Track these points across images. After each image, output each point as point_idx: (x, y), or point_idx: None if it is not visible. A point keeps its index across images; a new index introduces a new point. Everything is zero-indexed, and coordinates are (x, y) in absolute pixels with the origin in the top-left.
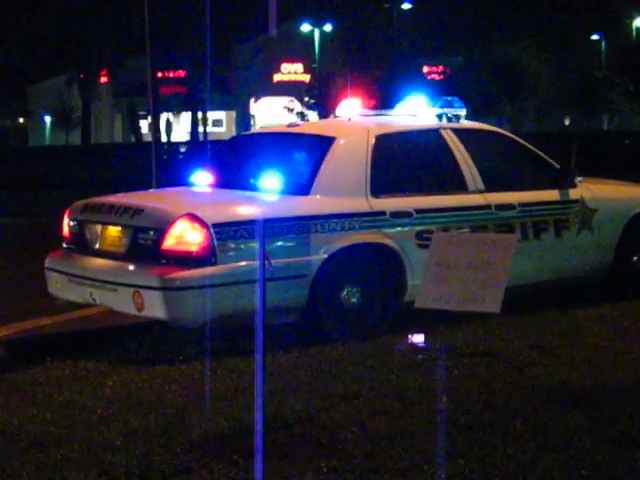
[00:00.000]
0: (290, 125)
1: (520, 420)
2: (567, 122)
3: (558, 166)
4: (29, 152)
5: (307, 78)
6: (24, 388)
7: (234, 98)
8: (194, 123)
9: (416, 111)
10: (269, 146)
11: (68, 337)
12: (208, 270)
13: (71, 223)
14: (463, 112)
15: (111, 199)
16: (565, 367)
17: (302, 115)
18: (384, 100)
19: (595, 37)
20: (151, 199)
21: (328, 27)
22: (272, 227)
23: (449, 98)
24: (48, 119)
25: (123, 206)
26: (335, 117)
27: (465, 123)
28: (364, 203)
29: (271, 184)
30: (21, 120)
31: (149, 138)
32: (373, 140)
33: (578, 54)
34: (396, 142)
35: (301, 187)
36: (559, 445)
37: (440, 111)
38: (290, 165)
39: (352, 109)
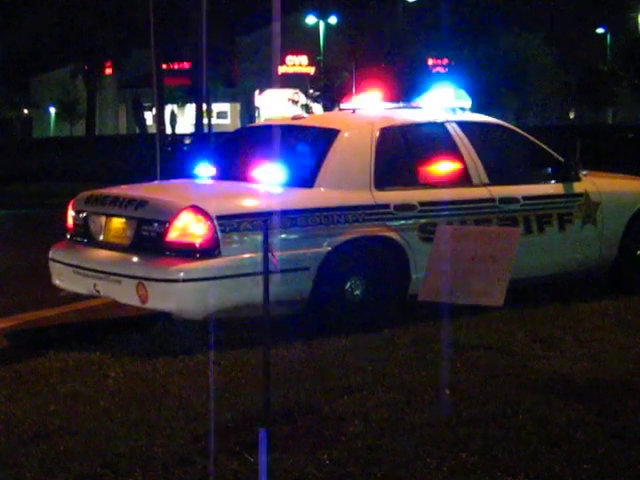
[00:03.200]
0: (294, 117)
1: (522, 413)
2: (572, 116)
3: (562, 159)
4: (34, 143)
5: (312, 70)
6: (27, 379)
7: (239, 90)
8: (198, 115)
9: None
10: (273, 138)
11: (71, 328)
12: (212, 262)
13: (75, 215)
14: (468, 104)
15: (115, 191)
16: (568, 361)
17: (307, 107)
18: (391, 93)
19: (600, 31)
20: (155, 191)
21: (333, 19)
22: (276, 219)
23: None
24: (53, 110)
25: (127, 198)
26: (340, 110)
27: (470, 116)
28: (368, 196)
29: (275, 176)
30: (26, 111)
31: (153, 130)
32: (377, 133)
33: (583, 47)
34: (400, 135)
35: (305, 180)
36: (561, 439)
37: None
38: (294, 158)
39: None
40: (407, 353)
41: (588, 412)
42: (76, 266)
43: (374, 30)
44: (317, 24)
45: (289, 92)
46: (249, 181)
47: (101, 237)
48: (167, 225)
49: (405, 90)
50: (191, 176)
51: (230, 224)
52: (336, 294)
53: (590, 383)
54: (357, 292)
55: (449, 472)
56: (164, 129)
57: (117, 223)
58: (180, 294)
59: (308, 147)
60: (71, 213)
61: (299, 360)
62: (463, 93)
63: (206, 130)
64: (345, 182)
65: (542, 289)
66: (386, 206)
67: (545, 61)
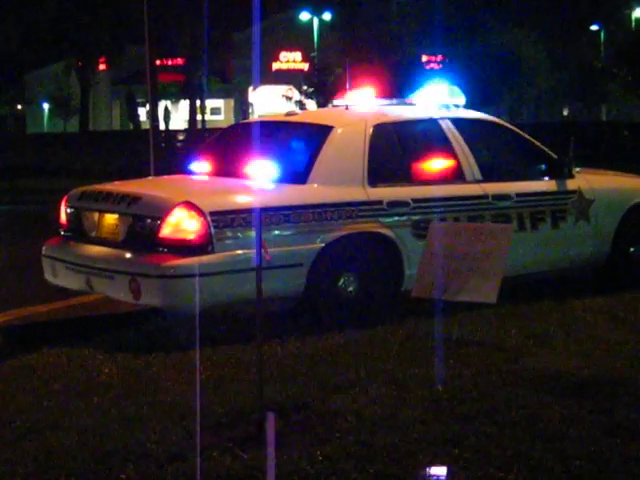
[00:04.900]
0: (288, 114)
1: (515, 410)
2: (566, 113)
3: (556, 156)
4: (27, 139)
5: (306, 66)
6: (20, 375)
7: (232, 86)
8: (192, 111)
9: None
10: (267, 135)
11: (65, 324)
12: (205, 258)
13: (68, 210)
14: (462, 101)
15: (108, 187)
16: (561, 357)
17: (300, 104)
18: (384, 89)
19: (594, 27)
20: (148, 187)
21: (327, 16)
22: (269, 216)
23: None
24: (46, 106)
25: (120, 194)
26: (333, 106)
27: (463, 112)
28: (361, 192)
29: (268, 173)
30: (19, 107)
31: (147, 126)
32: (371, 129)
33: (577, 44)
34: (394, 131)
35: (298, 176)
36: (554, 435)
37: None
38: (288, 154)
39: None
40: (400, 349)
41: (581, 408)
42: (69, 262)
43: (368, 26)
44: (311, 20)
45: (283, 88)
46: (242, 177)
47: (94, 233)
48: (160, 221)
49: (399, 87)
50: (184, 172)
51: (223, 220)
52: (329, 290)
53: (583, 379)
54: (350, 288)
55: None
56: (158, 125)
57: (110, 219)
58: (173, 290)
59: (301, 143)
60: (64, 209)
61: (292, 356)
62: (457, 90)
63: (200, 126)
64: (338, 178)
65: (535, 286)
66: (379, 202)
67: (539, 58)
